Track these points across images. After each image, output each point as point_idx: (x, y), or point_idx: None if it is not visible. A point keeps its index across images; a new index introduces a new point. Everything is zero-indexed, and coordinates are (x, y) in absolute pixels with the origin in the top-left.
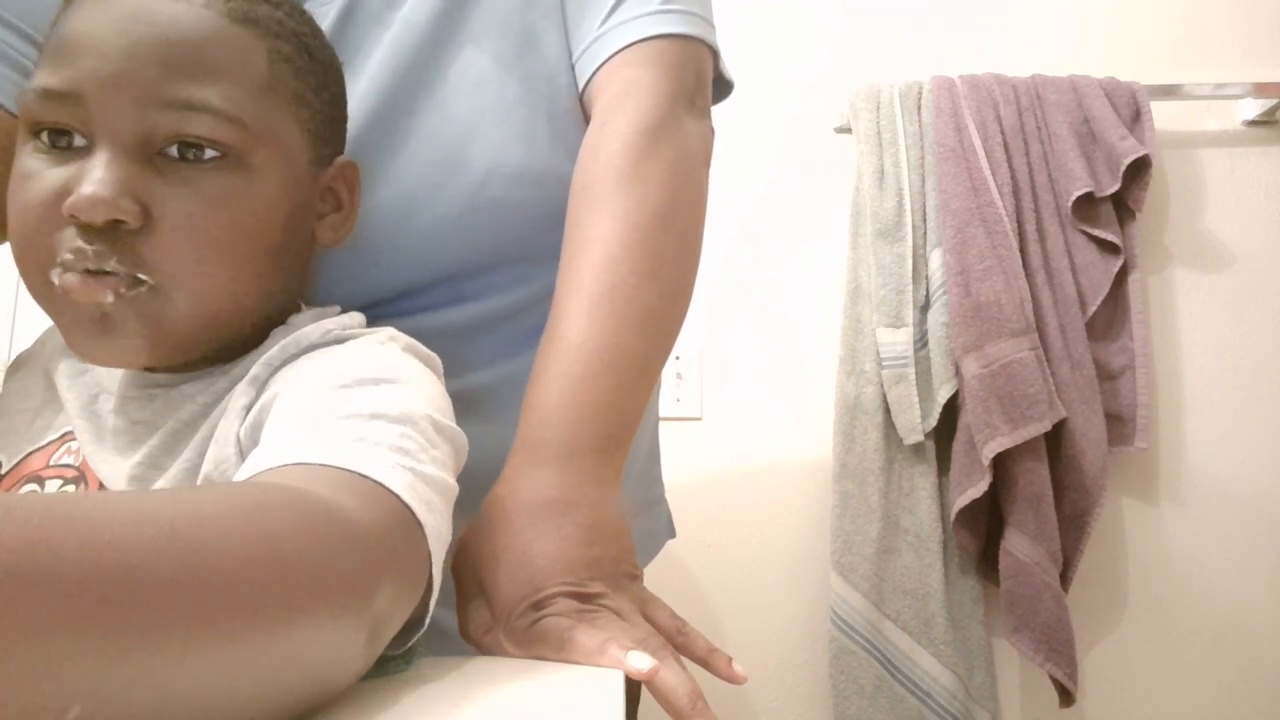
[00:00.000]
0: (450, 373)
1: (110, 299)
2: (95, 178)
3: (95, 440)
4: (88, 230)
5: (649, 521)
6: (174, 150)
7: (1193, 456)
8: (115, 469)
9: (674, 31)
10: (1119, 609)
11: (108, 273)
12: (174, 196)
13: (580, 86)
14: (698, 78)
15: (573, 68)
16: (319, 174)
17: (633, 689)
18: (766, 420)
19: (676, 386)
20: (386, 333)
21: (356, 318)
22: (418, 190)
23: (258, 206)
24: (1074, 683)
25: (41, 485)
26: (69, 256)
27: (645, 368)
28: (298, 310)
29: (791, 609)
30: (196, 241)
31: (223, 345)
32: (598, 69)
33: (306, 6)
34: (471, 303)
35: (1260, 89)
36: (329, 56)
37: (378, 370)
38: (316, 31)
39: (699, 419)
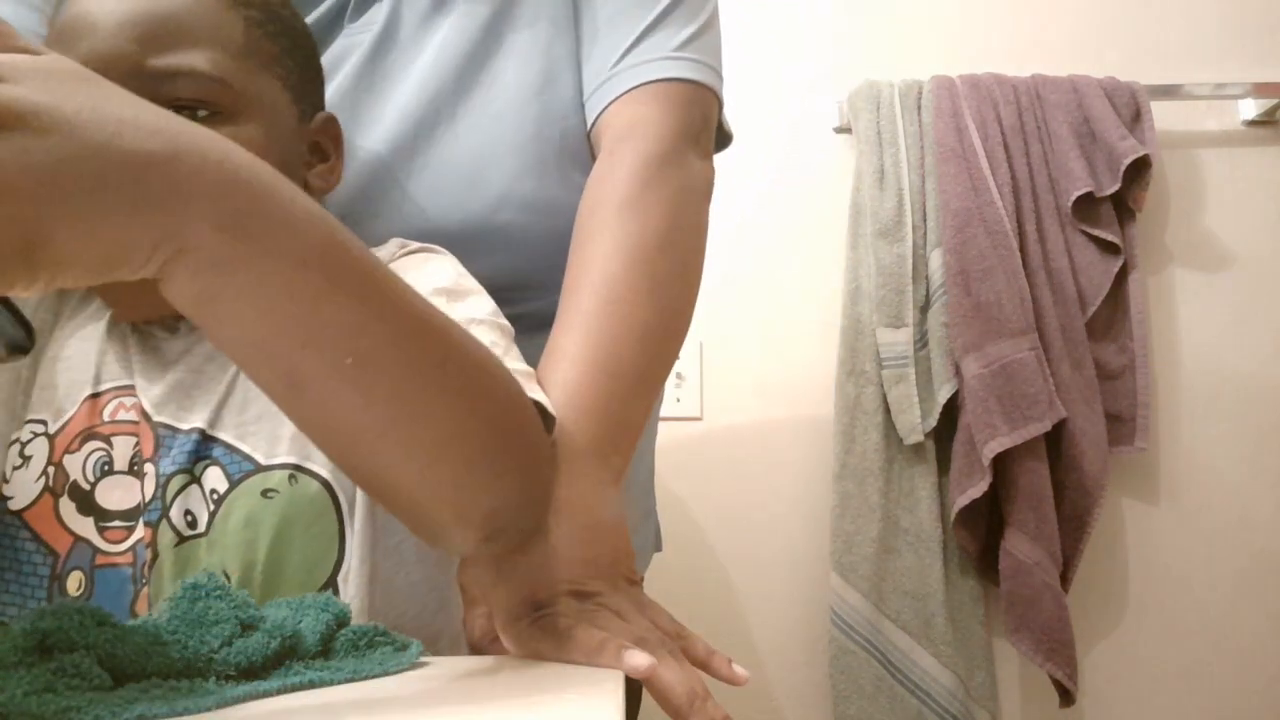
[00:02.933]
0: None
1: None
2: None
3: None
4: None
5: (644, 533)
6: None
7: (1193, 456)
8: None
9: (684, 76)
10: (1119, 609)
11: None
12: None
13: (590, 123)
14: (704, 120)
15: (583, 107)
16: (303, 128)
17: (635, 689)
18: (766, 420)
19: (676, 386)
20: (434, 249)
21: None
22: (434, 211)
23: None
24: (1074, 683)
25: (108, 443)
26: None
27: (642, 378)
28: None
29: (791, 609)
30: None
31: None
32: (607, 106)
33: (345, 35)
34: None
35: (1260, 89)
36: (298, 22)
37: (453, 282)
38: (285, 2)
39: (699, 419)
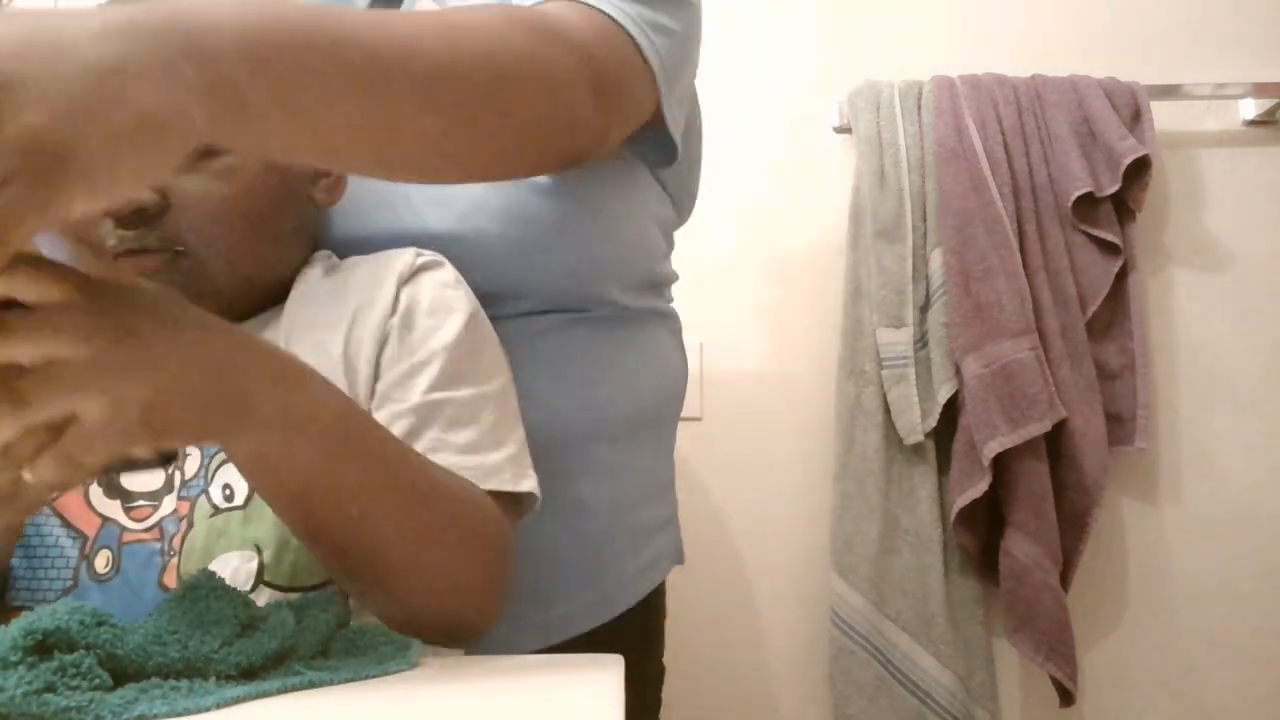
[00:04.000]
0: None
1: (151, 269)
2: None
3: None
4: (119, 220)
5: (660, 542)
6: None
7: (1193, 456)
8: None
9: (610, 14)
10: (1119, 609)
11: (147, 250)
12: (183, 180)
13: None
14: (618, 68)
15: None
16: None
17: (653, 694)
18: (766, 420)
19: None
20: (438, 261)
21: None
22: (410, 218)
23: (253, 179)
24: (1074, 683)
25: None
26: (113, 242)
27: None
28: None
29: (791, 609)
30: (211, 214)
31: (256, 303)
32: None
33: None
34: None
35: (1260, 89)
36: None
37: (430, 302)
38: None
39: (699, 419)
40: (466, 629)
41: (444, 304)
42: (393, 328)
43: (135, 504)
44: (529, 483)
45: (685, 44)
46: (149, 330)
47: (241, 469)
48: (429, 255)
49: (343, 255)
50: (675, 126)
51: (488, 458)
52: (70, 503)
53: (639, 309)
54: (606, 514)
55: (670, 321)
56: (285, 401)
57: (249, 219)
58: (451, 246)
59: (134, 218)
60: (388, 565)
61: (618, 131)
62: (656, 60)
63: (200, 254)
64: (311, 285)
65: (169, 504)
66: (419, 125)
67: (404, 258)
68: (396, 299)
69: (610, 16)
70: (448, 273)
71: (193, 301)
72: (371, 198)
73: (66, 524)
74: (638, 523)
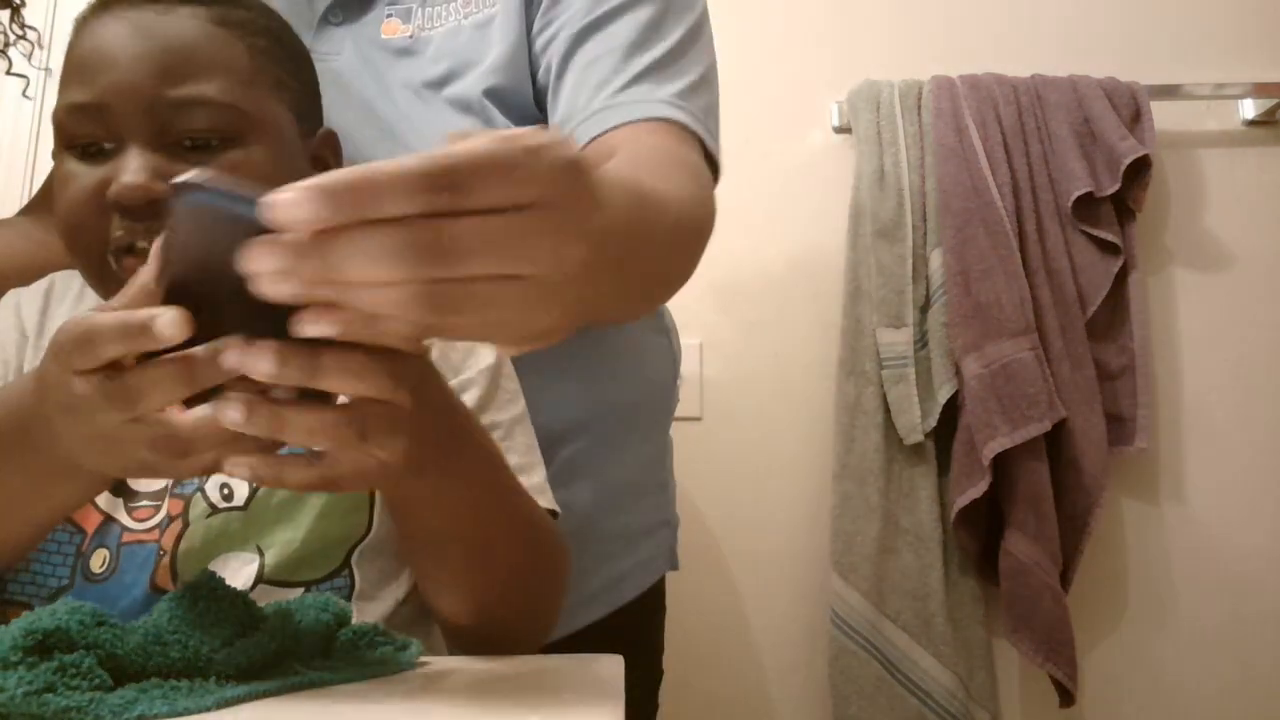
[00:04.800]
0: None
1: None
2: (130, 168)
3: None
4: (132, 212)
5: (654, 544)
6: (190, 141)
7: (1193, 456)
8: None
9: (691, 126)
10: (1119, 609)
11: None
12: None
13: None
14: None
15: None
16: (307, 144)
17: (650, 701)
18: (766, 420)
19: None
20: None
21: None
22: None
23: (262, 175)
24: (1074, 683)
25: None
26: (120, 234)
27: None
28: None
29: (791, 609)
30: None
31: None
32: (616, 127)
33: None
34: None
35: (1260, 89)
36: (299, 47)
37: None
38: (285, 27)
39: (699, 419)
40: (538, 639)
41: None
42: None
43: (139, 503)
44: (553, 501)
45: (717, 94)
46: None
47: (403, 504)
48: None
49: None
50: (720, 161)
51: (532, 479)
52: None
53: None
54: (591, 515)
55: (659, 319)
56: (478, 451)
57: None
58: None
59: (146, 209)
60: (492, 583)
61: None
62: (716, 148)
63: None
64: None
65: (169, 501)
66: (669, 268)
67: None
68: None
69: (695, 132)
70: None
71: None
72: None
73: (67, 519)
74: (624, 525)
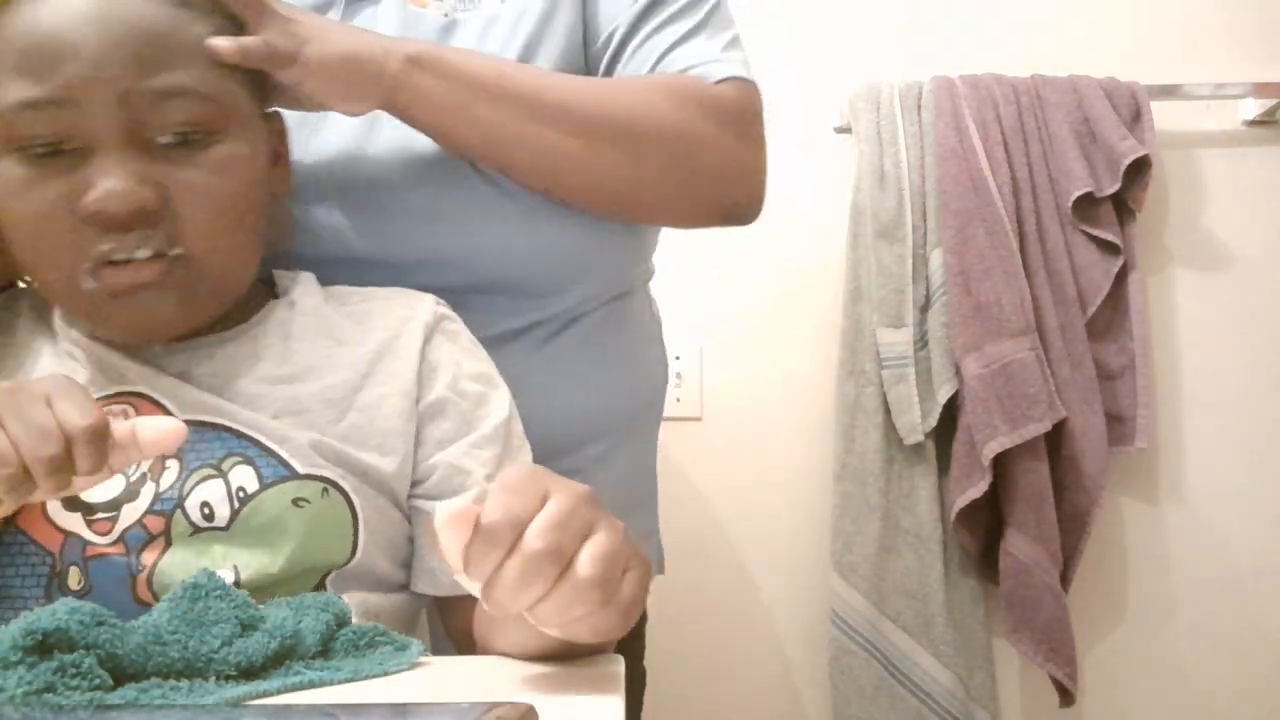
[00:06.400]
0: None
1: (152, 278)
2: (110, 174)
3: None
4: (113, 224)
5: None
6: (168, 138)
7: (1193, 456)
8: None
9: (739, 75)
10: (1119, 609)
11: (145, 259)
12: (183, 176)
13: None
14: (758, 113)
15: None
16: (267, 128)
17: (637, 683)
18: (766, 420)
19: (676, 386)
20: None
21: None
22: (419, 209)
23: (247, 170)
24: (1074, 683)
25: None
26: (105, 249)
27: (512, 108)
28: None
29: (791, 609)
30: (214, 211)
31: (229, 309)
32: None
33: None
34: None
35: (1260, 89)
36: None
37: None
38: None
39: (699, 419)
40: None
41: (484, 372)
42: (440, 398)
43: (96, 517)
44: None
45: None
46: None
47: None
48: (444, 306)
49: (343, 279)
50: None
51: None
52: (31, 516)
53: (634, 305)
54: None
55: (656, 328)
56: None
57: (245, 216)
58: (472, 239)
59: (132, 219)
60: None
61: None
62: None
63: (198, 256)
64: (311, 313)
65: (129, 513)
66: (562, 145)
67: (425, 306)
68: (424, 355)
69: (744, 79)
70: (461, 325)
71: (189, 309)
72: (391, 213)
73: (33, 540)
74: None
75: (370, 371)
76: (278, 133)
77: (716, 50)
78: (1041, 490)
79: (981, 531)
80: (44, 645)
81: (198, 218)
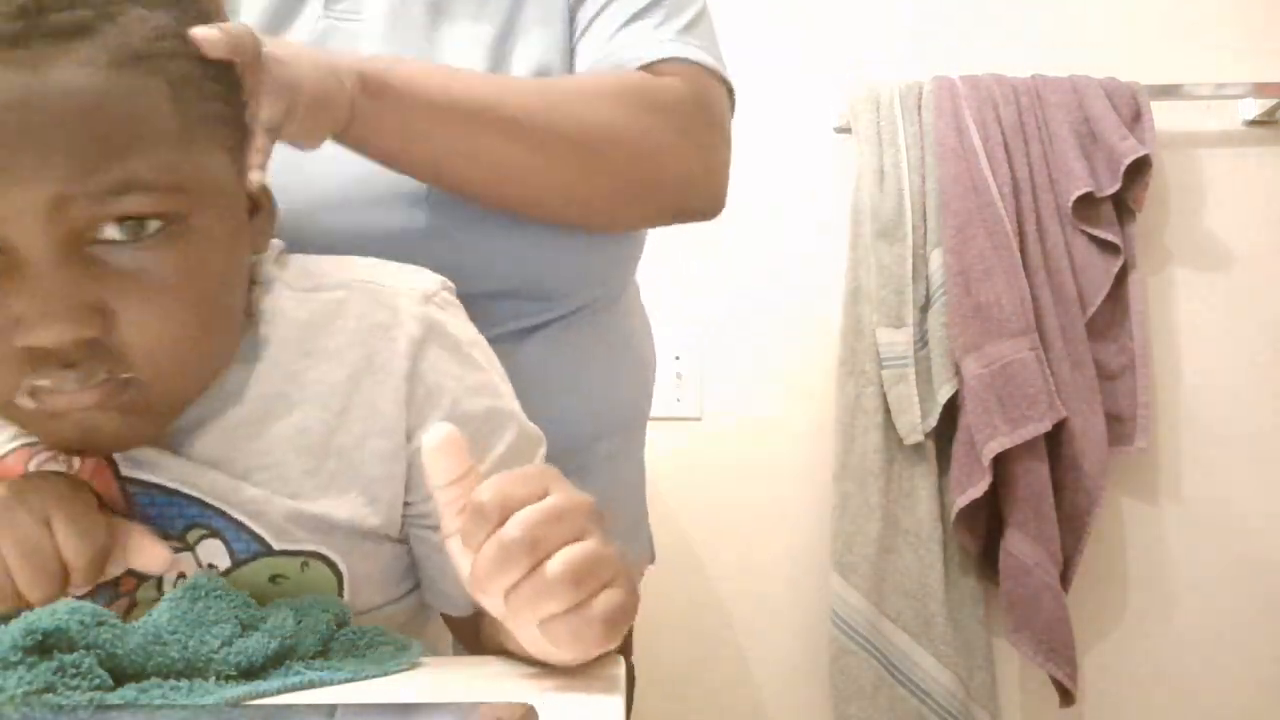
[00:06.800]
0: None
1: (95, 401)
2: (42, 302)
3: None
4: (49, 360)
5: (634, 543)
6: (113, 231)
7: (1193, 456)
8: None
9: (691, 58)
10: (1119, 609)
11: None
12: (130, 285)
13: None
14: (716, 111)
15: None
16: (242, 180)
17: (628, 675)
18: (766, 420)
19: (676, 386)
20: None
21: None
22: (421, 210)
23: (213, 263)
24: (1074, 683)
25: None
26: (44, 384)
27: (465, 121)
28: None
29: (792, 609)
30: (166, 323)
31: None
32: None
33: (327, 16)
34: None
35: (1260, 89)
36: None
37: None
38: (190, 15)
39: (699, 419)
40: None
41: (486, 382)
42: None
43: None
44: None
45: (710, 18)
46: None
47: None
48: (435, 298)
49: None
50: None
51: None
52: None
53: (630, 295)
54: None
55: (647, 322)
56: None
57: (216, 311)
58: (485, 242)
59: (71, 353)
60: None
61: (729, 157)
62: (725, 71)
63: (153, 379)
64: (279, 319)
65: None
66: (506, 156)
67: (409, 309)
68: (413, 378)
69: (693, 61)
70: (458, 322)
71: (142, 428)
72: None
73: None
74: (620, 522)
75: (346, 405)
76: (265, 193)
77: (670, 33)
78: (1041, 490)
79: (981, 531)
80: (44, 645)
81: (152, 339)
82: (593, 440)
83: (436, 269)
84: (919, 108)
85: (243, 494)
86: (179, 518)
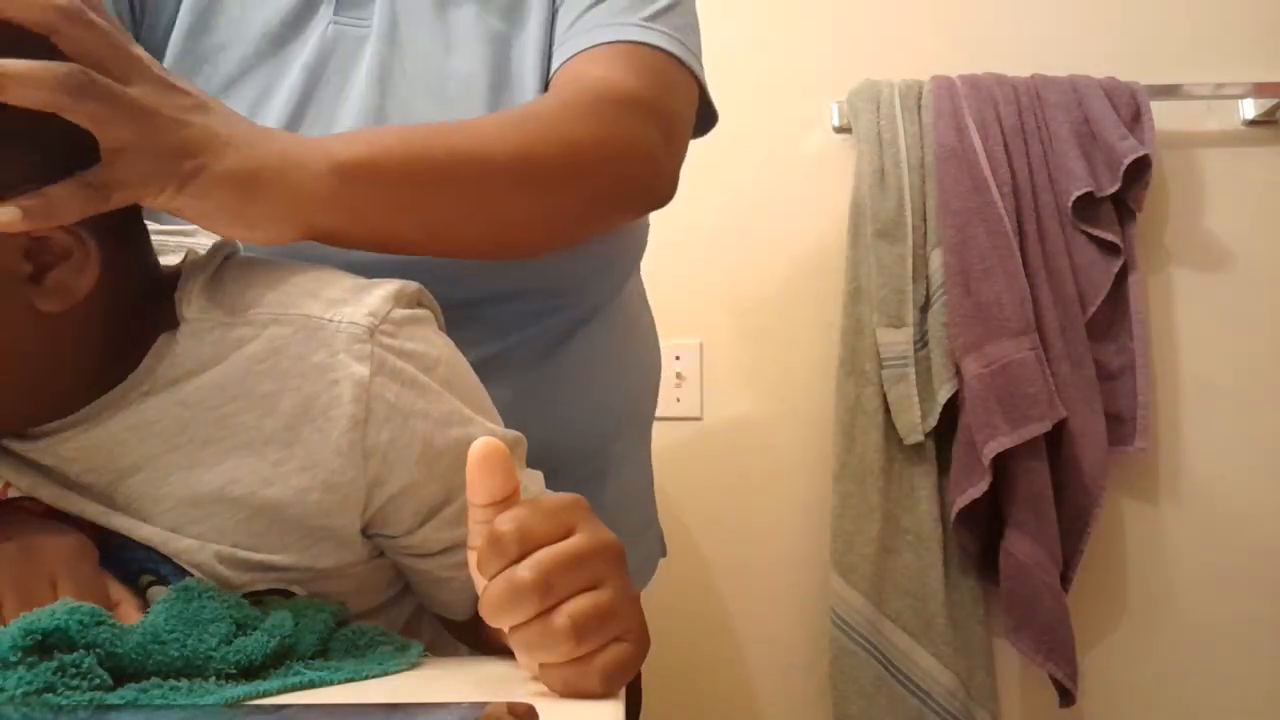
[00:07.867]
0: None
1: None
2: None
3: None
4: None
5: (647, 542)
6: None
7: (1193, 456)
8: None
9: (652, 43)
10: (1119, 609)
11: None
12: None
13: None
14: (669, 92)
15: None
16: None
17: (635, 689)
18: (766, 420)
19: (676, 386)
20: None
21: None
22: None
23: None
24: (1074, 683)
25: None
26: None
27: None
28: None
29: (792, 609)
30: None
31: (57, 409)
32: (559, 67)
33: (338, 21)
34: (493, 338)
35: (1260, 89)
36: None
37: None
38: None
39: (699, 419)
40: None
41: (452, 411)
42: (409, 483)
43: None
44: None
45: (696, 19)
46: None
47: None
48: (383, 325)
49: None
50: (709, 97)
51: None
52: None
53: (636, 287)
54: (611, 514)
55: (652, 324)
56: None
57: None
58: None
59: None
60: None
61: (684, 148)
62: (695, 61)
63: None
64: (202, 339)
65: None
66: (505, 205)
67: (349, 344)
68: (367, 429)
69: (652, 46)
70: (414, 344)
71: None
72: None
73: None
74: (634, 523)
75: (282, 457)
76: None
77: (635, 18)
78: (1041, 490)
79: (981, 531)
80: (44, 645)
81: None
82: (610, 441)
83: (438, 275)
84: (919, 108)
85: (176, 545)
86: (131, 561)
